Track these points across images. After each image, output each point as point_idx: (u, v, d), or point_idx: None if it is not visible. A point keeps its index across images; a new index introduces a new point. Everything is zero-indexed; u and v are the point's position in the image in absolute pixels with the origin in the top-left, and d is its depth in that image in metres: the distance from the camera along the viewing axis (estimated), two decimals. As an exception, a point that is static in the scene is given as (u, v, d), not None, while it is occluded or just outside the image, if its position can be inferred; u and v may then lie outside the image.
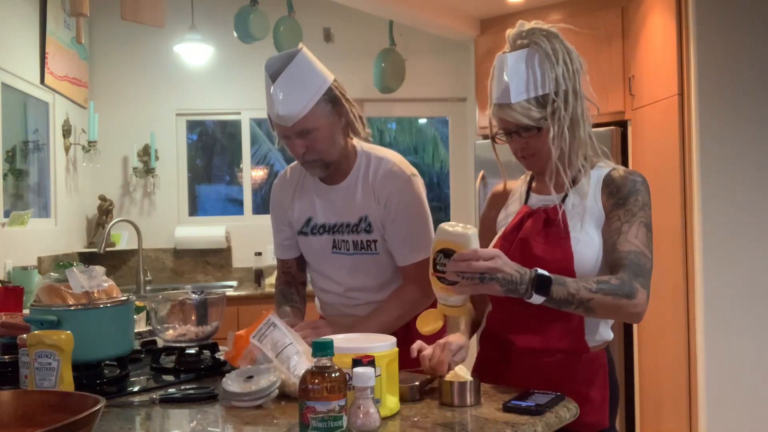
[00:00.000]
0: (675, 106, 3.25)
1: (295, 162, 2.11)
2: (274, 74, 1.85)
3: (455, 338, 1.62)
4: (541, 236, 1.62)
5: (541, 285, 1.42)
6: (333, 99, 1.90)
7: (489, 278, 1.40)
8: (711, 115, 3.14)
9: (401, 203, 1.98)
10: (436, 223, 2.06)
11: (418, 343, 1.62)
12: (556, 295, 1.43)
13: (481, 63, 4.44)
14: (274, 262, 5.27)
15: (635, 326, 3.68)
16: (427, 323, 1.54)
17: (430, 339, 1.66)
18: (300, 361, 1.54)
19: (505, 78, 1.58)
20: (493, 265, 1.39)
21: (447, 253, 1.45)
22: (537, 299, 1.43)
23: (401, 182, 1.99)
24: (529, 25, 1.64)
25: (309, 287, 2.24)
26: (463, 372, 1.49)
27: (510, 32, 1.65)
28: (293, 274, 2.22)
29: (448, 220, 5.54)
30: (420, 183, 2.03)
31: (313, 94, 1.86)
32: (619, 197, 1.60)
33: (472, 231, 1.46)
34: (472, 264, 1.39)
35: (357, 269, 2.04)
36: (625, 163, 3.73)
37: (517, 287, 1.42)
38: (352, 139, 2.03)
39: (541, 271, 1.44)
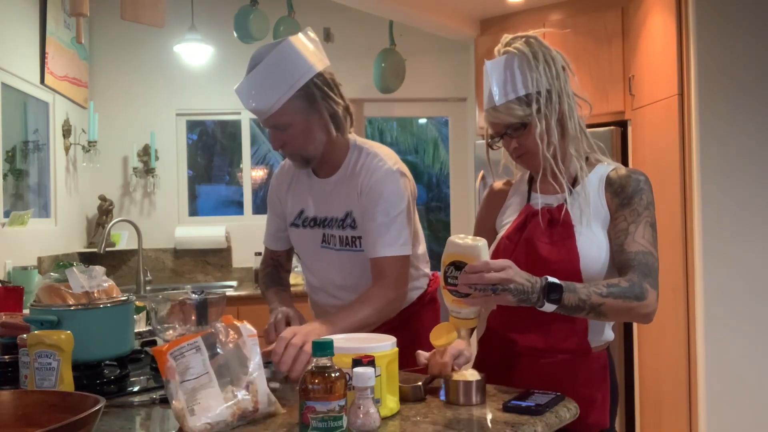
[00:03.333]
0: (675, 106, 3.25)
1: None
2: (251, 66, 1.84)
3: (454, 344, 1.60)
4: (545, 236, 1.62)
5: (553, 293, 1.42)
6: (309, 95, 1.84)
7: (501, 289, 1.39)
8: (711, 115, 3.14)
9: (378, 194, 1.90)
10: (435, 224, 2.06)
11: (420, 354, 1.61)
12: (568, 302, 1.43)
13: (481, 63, 4.39)
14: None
15: (635, 326, 3.68)
16: (441, 337, 1.52)
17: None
18: (206, 401, 1.32)
19: (489, 84, 1.63)
20: (505, 276, 1.39)
21: (458, 266, 1.44)
22: (549, 307, 1.43)
23: (382, 174, 1.92)
24: (509, 36, 1.69)
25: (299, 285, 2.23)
26: (470, 372, 1.49)
27: (496, 48, 1.70)
28: (281, 263, 2.22)
29: (448, 221, 5.52)
30: (405, 181, 1.95)
31: (286, 91, 1.81)
32: (623, 197, 1.61)
33: (482, 242, 1.46)
34: (483, 276, 1.39)
35: (344, 266, 2.00)
36: (625, 163, 3.73)
37: (529, 296, 1.41)
38: (350, 132, 1.99)
39: (551, 279, 1.43)
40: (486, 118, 1.67)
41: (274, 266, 2.22)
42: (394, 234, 1.89)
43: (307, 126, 1.87)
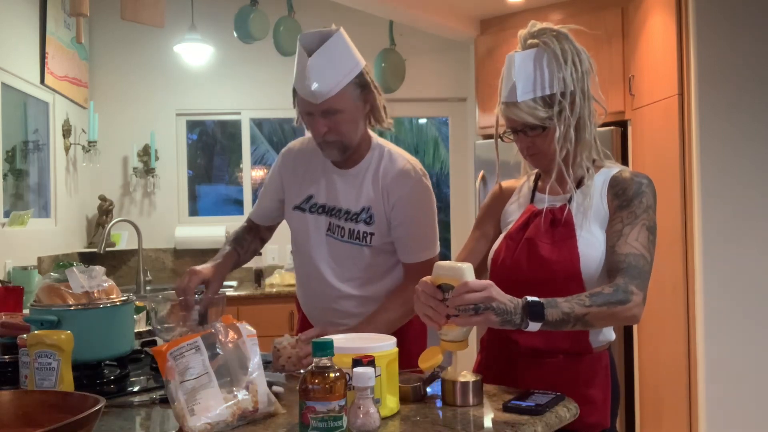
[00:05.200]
0: (675, 106, 3.25)
1: (308, 137, 2.11)
2: (310, 49, 1.85)
3: None
4: (547, 236, 1.62)
5: (535, 311, 1.41)
6: (363, 84, 1.92)
7: (484, 308, 1.39)
8: (711, 115, 3.14)
9: (412, 205, 1.98)
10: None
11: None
12: (551, 318, 1.42)
13: (481, 63, 4.44)
14: (274, 262, 5.23)
15: (635, 326, 3.68)
16: (427, 360, 1.52)
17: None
18: (206, 401, 1.32)
19: (513, 77, 1.59)
20: (486, 295, 1.39)
21: (444, 289, 1.44)
22: (534, 326, 1.42)
23: (413, 183, 1.99)
24: (540, 25, 1.64)
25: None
26: (464, 374, 1.49)
27: (521, 32, 1.65)
28: (259, 228, 2.25)
29: (448, 220, 5.51)
30: (429, 182, 2.04)
31: (345, 76, 1.87)
32: (624, 199, 1.61)
33: (466, 265, 1.45)
34: (464, 296, 1.39)
35: (346, 258, 2.02)
36: (625, 163, 3.73)
37: (512, 317, 1.40)
38: (373, 127, 2.04)
39: (531, 298, 1.42)
40: (503, 112, 1.64)
41: (248, 228, 2.25)
42: (429, 238, 2.02)
43: (355, 113, 1.93)
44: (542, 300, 1.42)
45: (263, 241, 2.28)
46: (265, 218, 2.23)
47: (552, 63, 1.58)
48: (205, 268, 2.01)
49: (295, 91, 1.93)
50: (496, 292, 1.40)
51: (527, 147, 1.65)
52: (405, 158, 2.03)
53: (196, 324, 1.89)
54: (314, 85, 1.83)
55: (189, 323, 1.90)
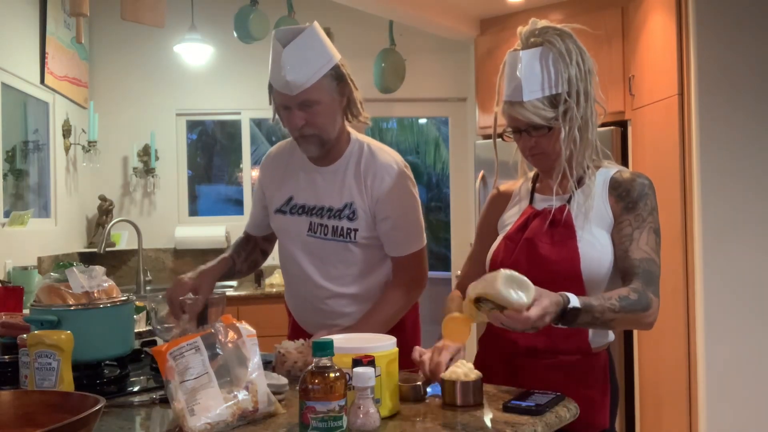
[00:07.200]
0: (675, 106, 3.25)
1: (286, 140, 2.11)
2: (285, 42, 1.85)
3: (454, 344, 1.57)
4: (547, 236, 1.61)
5: (568, 319, 1.41)
6: (339, 76, 1.90)
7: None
8: (711, 115, 3.14)
9: (396, 198, 1.97)
10: (435, 224, 2.07)
11: (417, 350, 1.61)
12: (581, 320, 1.43)
13: (481, 63, 4.44)
14: (274, 262, 5.27)
15: (635, 326, 3.68)
16: (454, 333, 1.46)
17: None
18: (206, 401, 1.32)
19: (518, 75, 1.57)
20: (542, 321, 1.36)
21: (482, 301, 1.39)
22: (559, 326, 1.43)
23: (396, 178, 1.98)
24: (542, 23, 1.63)
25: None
26: (466, 369, 1.48)
27: (522, 30, 1.64)
28: (257, 240, 2.24)
29: (448, 221, 5.46)
30: (410, 173, 2.03)
31: (321, 67, 1.86)
32: (628, 201, 1.60)
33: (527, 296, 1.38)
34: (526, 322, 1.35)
35: (332, 257, 2.01)
36: (625, 163, 3.73)
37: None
38: (351, 122, 2.02)
39: (572, 303, 1.40)
40: (506, 111, 1.62)
41: (246, 239, 2.24)
42: (416, 231, 2.01)
43: (333, 106, 1.92)
44: (581, 306, 1.41)
45: (264, 253, 2.27)
46: (257, 228, 2.22)
47: (558, 62, 1.57)
48: (190, 277, 1.98)
49: (270, 87, 1.92)
50: (550, 302, 1.37)
51: (530, 147, 1.64)
52: (386, 152, 2.02)
53: (196, 325, 1.89)
54: (289, 76, 1.82)
55: (189, 323, 1.90)
